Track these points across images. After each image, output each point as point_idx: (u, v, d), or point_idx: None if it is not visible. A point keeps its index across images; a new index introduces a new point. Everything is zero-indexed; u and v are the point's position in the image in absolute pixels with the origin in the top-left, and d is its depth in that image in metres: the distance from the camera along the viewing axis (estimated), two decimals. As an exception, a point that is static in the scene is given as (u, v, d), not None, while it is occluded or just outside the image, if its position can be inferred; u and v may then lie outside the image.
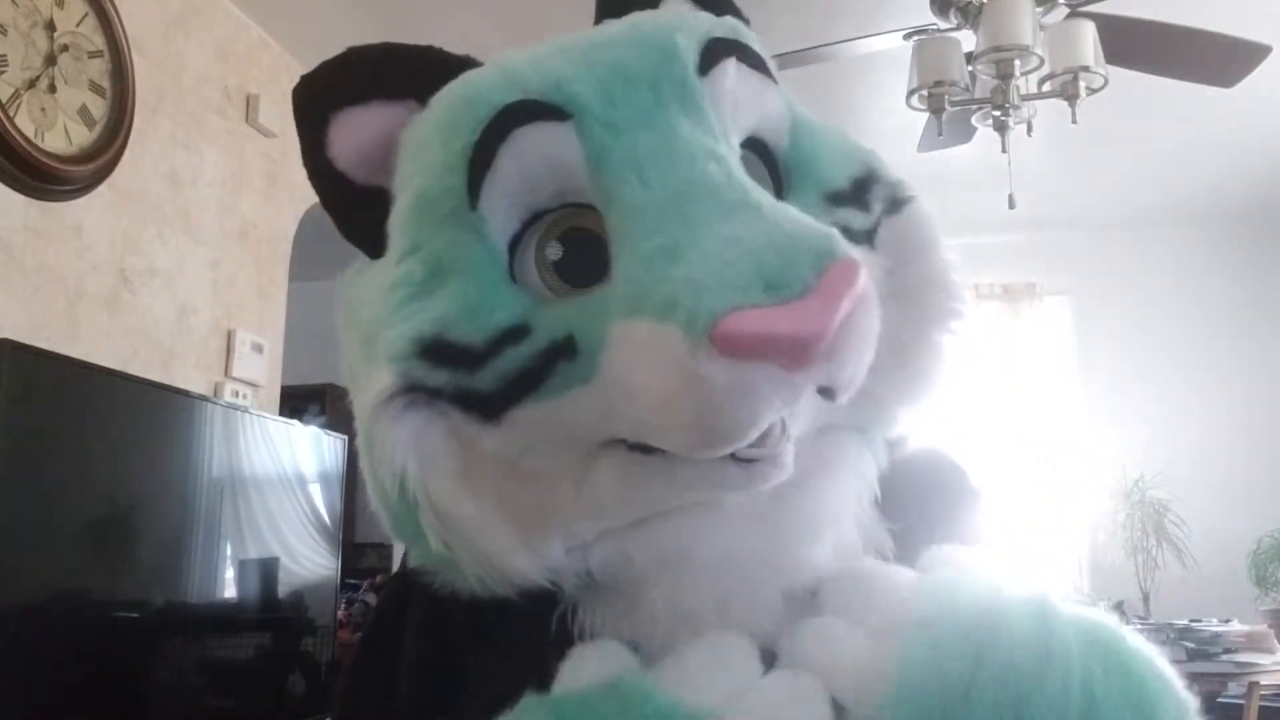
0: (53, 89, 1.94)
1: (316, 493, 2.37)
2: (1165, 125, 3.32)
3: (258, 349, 2.57)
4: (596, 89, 0.51)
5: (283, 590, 2.21)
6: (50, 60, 1.94)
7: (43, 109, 1.92)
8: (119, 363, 2.07)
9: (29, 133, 1.87)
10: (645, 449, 0.49)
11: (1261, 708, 2.59)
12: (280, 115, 2.70)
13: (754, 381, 0.42)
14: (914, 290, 0.57)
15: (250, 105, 2.59)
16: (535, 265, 0.51)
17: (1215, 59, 2.32)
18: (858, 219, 0.55)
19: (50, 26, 1.95)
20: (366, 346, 0.52)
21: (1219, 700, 2.82)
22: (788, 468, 0.49)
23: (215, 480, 2.01)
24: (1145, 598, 3.70)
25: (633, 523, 0.51)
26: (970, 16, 2.20)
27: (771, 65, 0.57)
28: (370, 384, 0.50)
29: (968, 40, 2.25)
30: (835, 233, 0.46)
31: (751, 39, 0.57)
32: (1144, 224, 4.21)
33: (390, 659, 0.61)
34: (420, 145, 0.54)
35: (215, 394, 2.37)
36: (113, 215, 2.13)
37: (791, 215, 0.47)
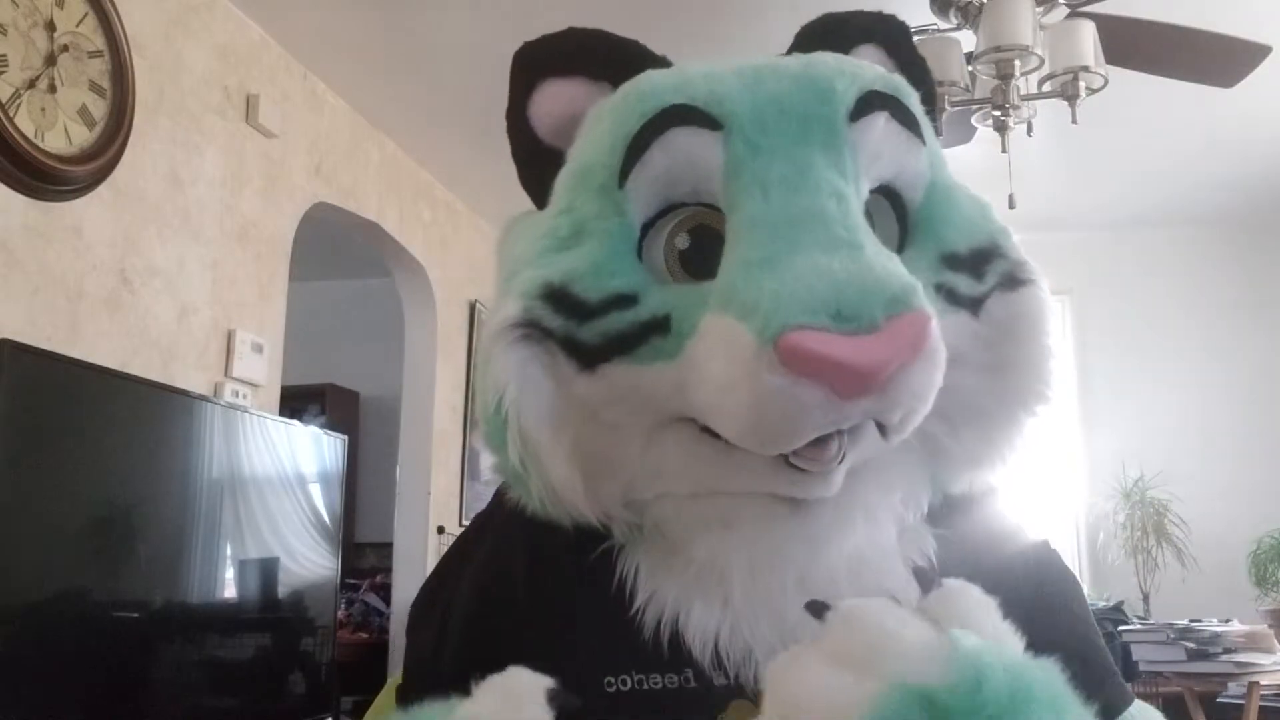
0: (53, 89, 1.94)
1: (316, 493, 2.37)
2: (1165, 125, 3.32)
3: (258, 349, 2.57)
4: (752, 111, 0.57)
5: (283, 590, 2.21)
6: (50, 60, 1.94)
7: (43, 109, 1.92)
8: (119, 363, 2.07)
9: (29, 133, 1.87)
10: (713, 432, 0.54)
11: (1261, 708, 2.59)
12: (280, 115, 2.70)
13: (803, 396, 0.47)
14: (1009, 367, 0.61)
15: (250, 105, 2.59)
16: (663, 250, 0.57)
17: (1215, 59, 2.32)
18: (966, 284, 0.60)
19: (50, 26, 1.95)
20: (508, 279, 0.59)
21: (1219, 700, 2.82)
22: (833, 487, 0.55)
23: (215, 480, 2.01)
24: (1145, 598, 3.70)
25: (689, 493, 0.58)
26: (970, 16, 2.20)
27: (925, 126, 0.62)
28: (500, 311, 0.57)
29: (967, 40, 2.25)
30: (917, 286, 0.50)
31: (910, 99, 0.61)
32: (1144, 224, 4.21)
33: (457, 579, 0.67)
34: (595, 122, 0.61)
35: (215, 394, 2.37)
36: (113, 215, 2.13)
37: (885, 262, 0.51)
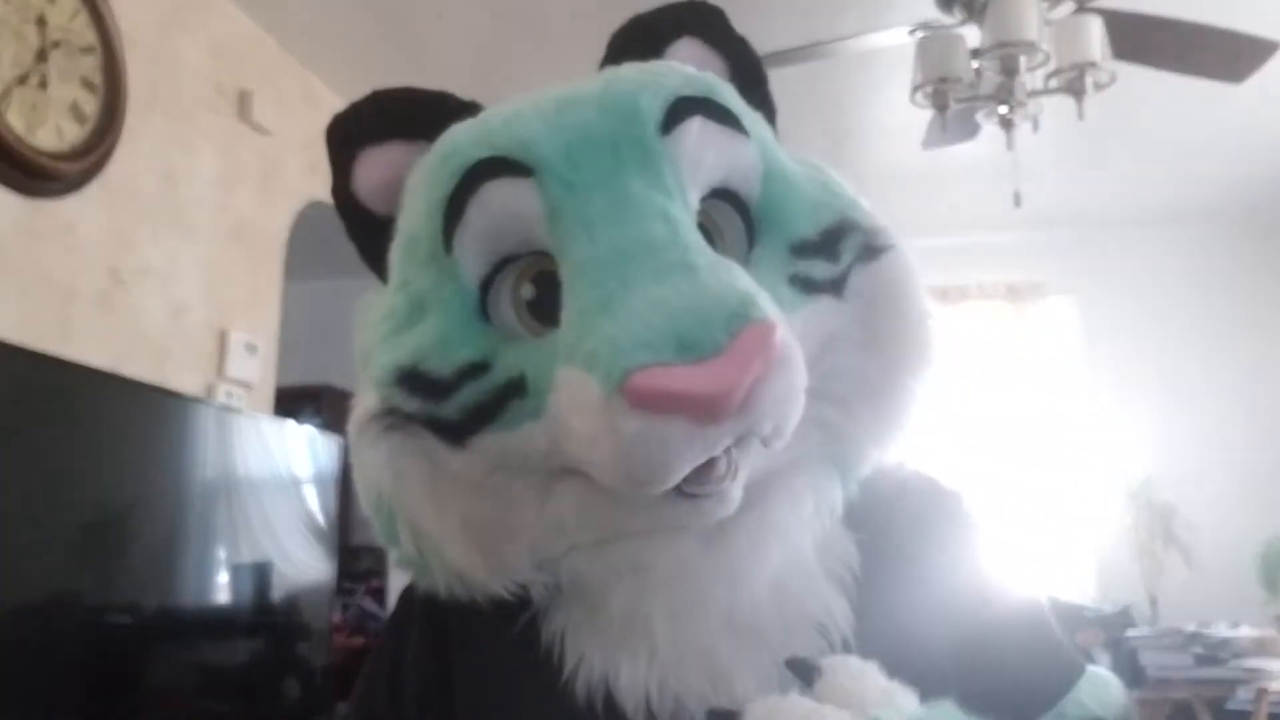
0: (44, 85, 1.92)
1: (311, 495, 2.35)
2: (1172, 122, 3.29)
3: (251, 349, 2.55)
4: (559, 149, 0.55)
5: (277, 594, 2.19)
6: (42, 56, 1.92)
7: (34, 105, 1.89)
8: (111, 363, 2.04)
9: (20, 129, 1.85)
10: None
11: (1271, 714, 2.57)
12: (274, 113, 2.68)
13: (664, 433, 0.46)
14: (887, 337, 0.59)
15: (244, 102, 2.57)
16: (511, 305, 0.56)
17: (1223, 55, 2.30)
18: (822, 269, 0.58)
19: (42, 22, 1.93)
20: (363, 367, 0.59)
21: (1228, 706, 2.79)
22: (733, 504, 0.53)
23: (209, 482, 1.99)
24: (1153, 601, 3.67)
25: (596, 540, 0.56)
26: (975, 12, 2.18)
27: (746, 117, 0.60)
28: (360, 403, 0.57)
29: (973, 36, 2.22)
30: (755, 294, 0.49)
31: (723, 94, 0.59)
32: (1151, 222, 4.18)
33: (401, 649, 0.67)
34: (412, 191, 0.60)
35: (208, 395, 2.34)
36: (105, 213, 2.11)
37: (721, 277, 0.50)
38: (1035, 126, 2.36)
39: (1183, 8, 2.25)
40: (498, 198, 0.54)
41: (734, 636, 0.55)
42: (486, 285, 0.56)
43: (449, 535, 0.55)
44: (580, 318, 0.50)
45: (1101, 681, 0.64)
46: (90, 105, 2.03)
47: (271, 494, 2.21)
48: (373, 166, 0.62)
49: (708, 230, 0.56)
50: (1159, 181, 3.83)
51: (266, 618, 2.17)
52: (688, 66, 0.61)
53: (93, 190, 2.06)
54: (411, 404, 0.54)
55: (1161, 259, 4.21)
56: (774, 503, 0.56)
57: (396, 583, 3.31)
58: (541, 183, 0.54)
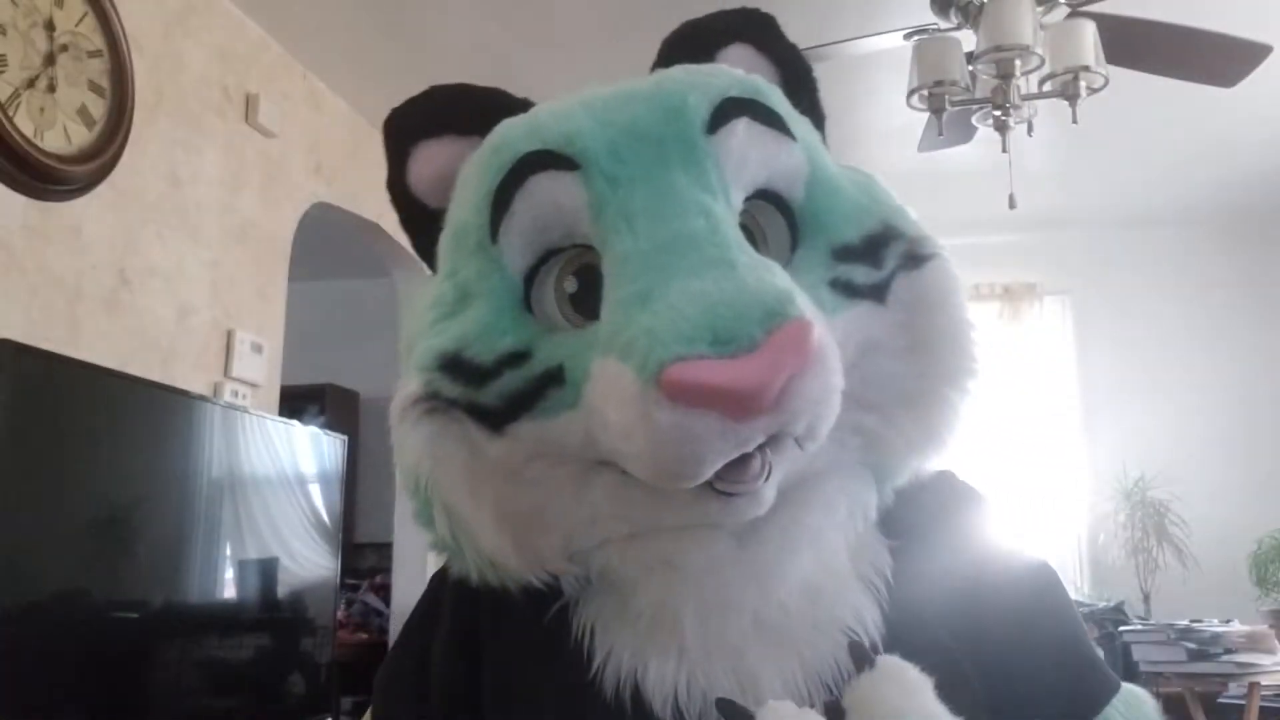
0: (52, 89, 1.94)
1: (316, 493, 2.37)
2: (1166, 125, 3.32)
3: (257, 349, 2.57)
4: (605, 144, 0.56)
5: (282, 590, 2.21)
6: (50, 60, 1.94)
7: (42, 109, 1.91)
8: (118, 363, 2.06)
9: (28, 132, 1.86)
10: None
11: (1262, 708, 2.59)
12: (279, 115, 2.70)
13: (696, 426, 0.46)
14: (928, 345, 0.59)
15: (250, 105, 2.59)
16: (554, 297, 0.57)
17: (1216, 59, 2.32)
18: (863, 274, 0.58)
19: (50, 26, 1.94)
20: (408, 353, 0.60)
21: (1219, 700, 2.82)
22: (765, 504, 0.53)
23: (215, 480, 2.00)
24: (1146, 598, 3.70)
25: (629, 534, 0.56)
26: (971, 16, 2.19)
27: (793, 121, 0.60)
28: (404, 388, 0.57)
29: (968, 40, 2.24)
30: (793, 293, 0.49)
31: (771, 97, 0.60)
32: (1144, 224, 4.21)
33: (429, 632, 0.67)
34: (463, 182, 0.61)
35: (214, 394, 2.36)
36: (112, 215, 2.13)
37: (761, 274, 0.50)
38: (1030, 130, 2.39)
39: (1175, 12, 2.27)
40: (543, 190, 0.55)
41: (763, 638, 0.55)
42: (531, 277, 0.57)
43: (483, 521, 0.55)
44: (619, 309, 0.51)
45: (1136, 700, 0.62)
46: (98, 108, 2.05)
47: (276, 492, 2.22)
48: (427, 160, 0.64)
49: (750, 231, 0.56)
50: (1152, 184, 3.85)
51: (271, 614, 2.18)
52: (737, 69, 0.61)
53: (100, 192, 2.08)
54: (453, 389, 0.55)
55: (1154, 260, 4.24)
56: (808, 506, 0.56)
57: (401, 579, 3.34)
58: (587, 176, 0.55)
